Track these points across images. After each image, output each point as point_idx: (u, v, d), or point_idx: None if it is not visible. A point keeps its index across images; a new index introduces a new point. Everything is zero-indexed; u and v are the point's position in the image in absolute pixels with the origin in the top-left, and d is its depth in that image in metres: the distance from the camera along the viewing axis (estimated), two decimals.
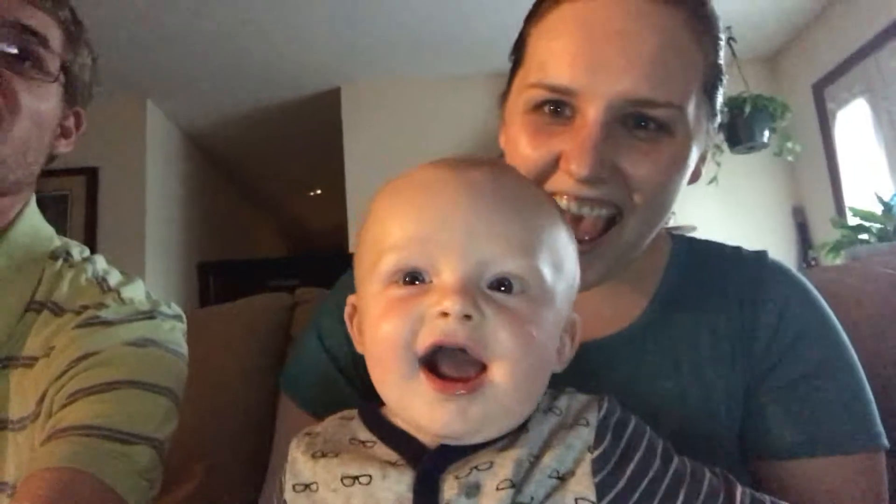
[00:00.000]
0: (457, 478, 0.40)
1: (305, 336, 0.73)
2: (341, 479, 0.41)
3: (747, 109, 3.15)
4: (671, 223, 3.53)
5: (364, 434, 0.46)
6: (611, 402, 0.45)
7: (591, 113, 0.53)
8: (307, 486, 0.44)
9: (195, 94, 3.82)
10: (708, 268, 0.67)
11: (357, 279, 0.49)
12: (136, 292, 0.76)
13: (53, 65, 0.71)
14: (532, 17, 0.62)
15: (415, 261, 0.43)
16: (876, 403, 1.13)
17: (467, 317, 0.40)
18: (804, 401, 0.58)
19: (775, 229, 3.66)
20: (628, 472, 0.42)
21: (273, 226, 6.80)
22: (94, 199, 3.56)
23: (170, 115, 4.05)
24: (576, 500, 0.40)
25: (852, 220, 2.04)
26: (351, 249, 3.65)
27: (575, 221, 0.57)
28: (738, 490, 0.45)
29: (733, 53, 3.48)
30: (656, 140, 0.55)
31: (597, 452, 0.42)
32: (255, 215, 6.10)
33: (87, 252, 0.79)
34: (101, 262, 0.78)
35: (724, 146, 3.29)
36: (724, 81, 0.62)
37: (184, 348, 0.77)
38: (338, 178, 3.87)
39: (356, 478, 0.41)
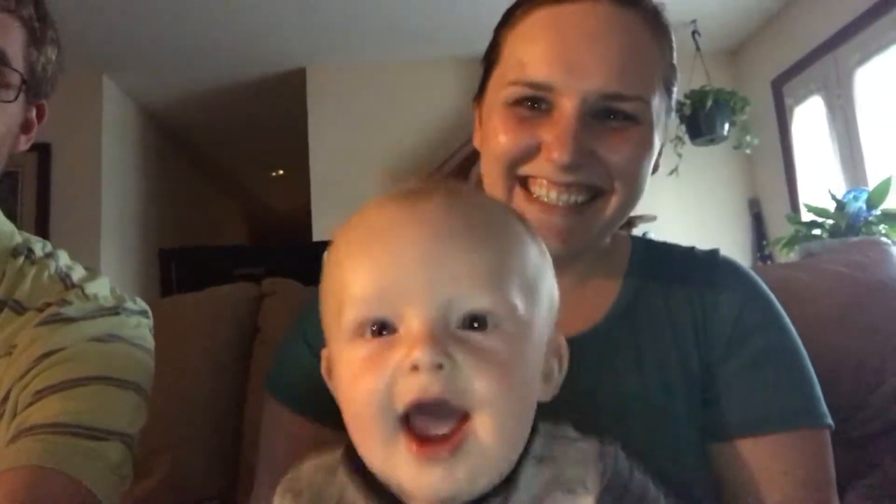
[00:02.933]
0: None
1: (289, 341, 0.73)
2: None
3: (709, 102, 3.21)
4: (631, 213, 3.58)
5: (353, 494, 0.43)
6: (617, 461, 0.44)
7: (569, 106, 0.59)
8: None
9: (154, 68, 3.70)
10: (665, 267, 0.71)
11: (325, 328, 0.48)
12: (100, 288, 0.74)
13: (14, 79, 0.68)
14: (505, 24, 0.67)
15: (377, 312, 0.41)
16: (827, 397, 1.19)
17: (439, 366, 0.39)
18: (755, 384, 0.61)
19: (731, 220, 3.76)
20: None
21: (234, 207, 6.68)
22: (47, 177, 3.44)
23: (127, 91, 3.92)
24: None
25: (806, 216, 2.11)
26: (316, 237, 3.62)
27: (550, 210, 0.62)
28: None
29: (697, 47, 3.54)
30: (626, 128, 0.61)
31: None
32: (216, 196, 5.98)
33: (49, 247, 0.77)
34: (63, 258, 0.76)
35: (686, 138, 3.35)
36: (679, 79, 0.68)
37: (150, 344, 0.76)
38: (302, 160, 3.82)
39: None
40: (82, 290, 0.71)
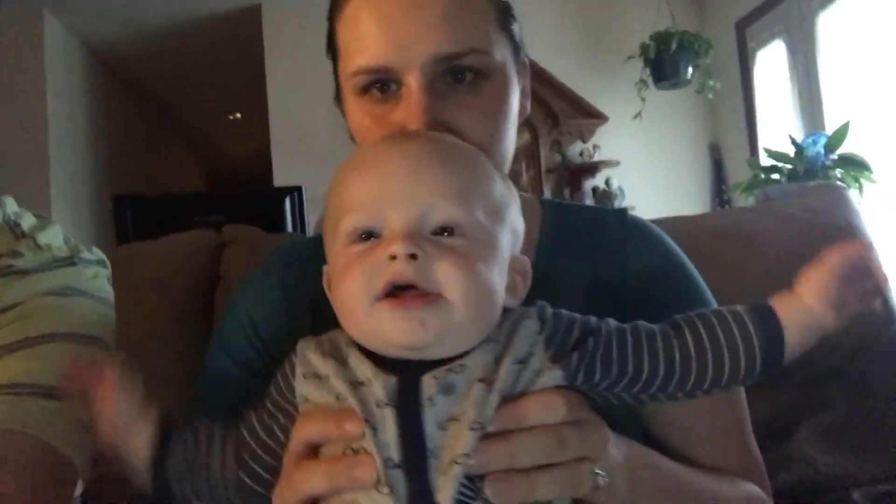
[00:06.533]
0: (434, 377, 0.47)
1: (208, 358, 0.71)
2: (348, 383, 0.49)
3: (674, 45, 3.20)
4: (595, 158, 3.55)
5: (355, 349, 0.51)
6: (541, 302, 0.52)
7: (412, 81, 0.59)
8: (317, 376, 0.50)
9: (98, 3, 3.50)
10: (577, 229, 0.71)
11: (326, 247, 0.55)
12: (52, 237, 0.71)
13: None
14: (334, 13, 0.66)
15: (366, 220, 0.50)
16: None
17: (412, 256, 0.46)
18: None
19: (692, 165, 3.81)
20: (573, 336, 0.50)
21: (189, 152, 6.48)
22: None
23: (70, 28, 3.72)
24: (537, 372, 0.49)
25: (766, 161, 2.14)
26: (277, 182, 3.54)
27: None
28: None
29: None
30: (476, 87, 0.61)
31: (545, 333, 0.50)
32: (170, 140, 5.79)
33: None
34: (11, 205, 0.72)
35: (650, 81, 3.35)
36: (517, 16, 0.67)
37: (110, 295, 0.73)
38: (259, 102, 3.70)
39: (357, 383, 0.48)
40: (34, 240, 0.68)
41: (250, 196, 3.81)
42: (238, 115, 5.51)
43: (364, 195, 0.50)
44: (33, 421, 0.58)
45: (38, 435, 0.58)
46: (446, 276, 0.46)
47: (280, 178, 3.49)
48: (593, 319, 0.52)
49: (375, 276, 0.47)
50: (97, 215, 3.81)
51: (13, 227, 0.69)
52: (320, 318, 0.64)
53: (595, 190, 3.62)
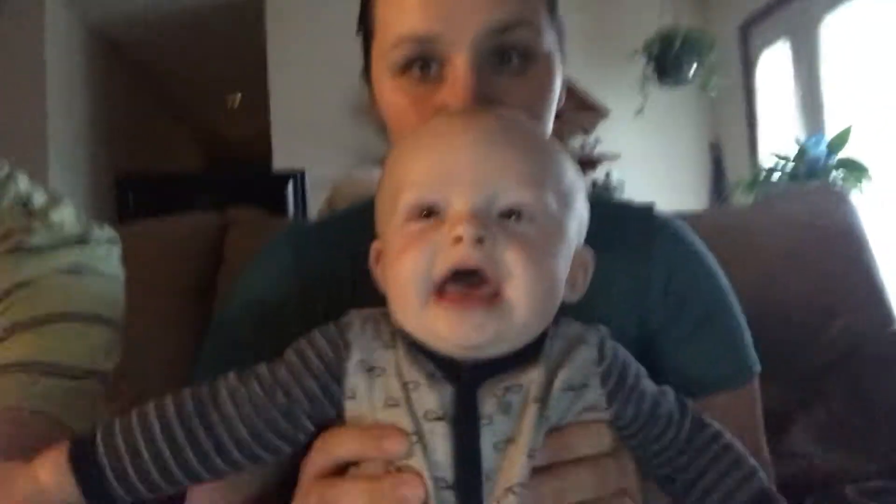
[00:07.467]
0: (494, 395, 0.45)
1: (206, 349, 0.68)
2: (402, 383, 0.45)
3: (677, 43, 3.19)
4: (596, 151, 3.54)
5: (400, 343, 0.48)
6: (603, 329, 0.50)
7: (459, 60, 0.55)
8: (372, 369, 0.46)
9: None
10: (600, 222, 0.70)
11: (379, 224, 0.52)
12: (65, 214, 0.71)
13: None
14: None
15: (429, 195, 0.46)
16: (778, 334, 1.25)
17: (480, 240, 0.43)
18: (694, 352, 0.62)
19: (692, 162, 3.81)
20: (628, 382, 0.48)
21: (188, 133, 6.44)
22: None
23: (71, 7, 3.68)
24: (590, 407, 0.47)
25: (769, 161, 2.15)
26: (277, 165, 3.53)
27: None
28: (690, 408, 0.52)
29: None
30: (524, 70, 0.58)
31: (602, 367, 0.48)
32: (169, 121, 5.75)
33: (6, 168, 0.72)
34: (23, 182, 0.72)
35: (653, 78, 3.34)
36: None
37: (121, 274, 0.73)
38: (260, 84, 3.68)
39: (407, 383, 0.45)
40: (46, 218, 0.68)
41: (253, 179, 3.78)
42: (238, 96, 5.48)
43: (428, 169, 0.47)
44: (51, 401, 0.58)
45: (55, 415, 0.57)
46: (514, 265, 0.43)
47: (280, 161, 3.47)
48: (643, 373, 0.50)
49: (436, 259, 0.44)
50: (96, 196, 3.79)
51: (25, 205, 0.69)
52: (336, 304, 0.60)
53: (595, 183, 3.63)
